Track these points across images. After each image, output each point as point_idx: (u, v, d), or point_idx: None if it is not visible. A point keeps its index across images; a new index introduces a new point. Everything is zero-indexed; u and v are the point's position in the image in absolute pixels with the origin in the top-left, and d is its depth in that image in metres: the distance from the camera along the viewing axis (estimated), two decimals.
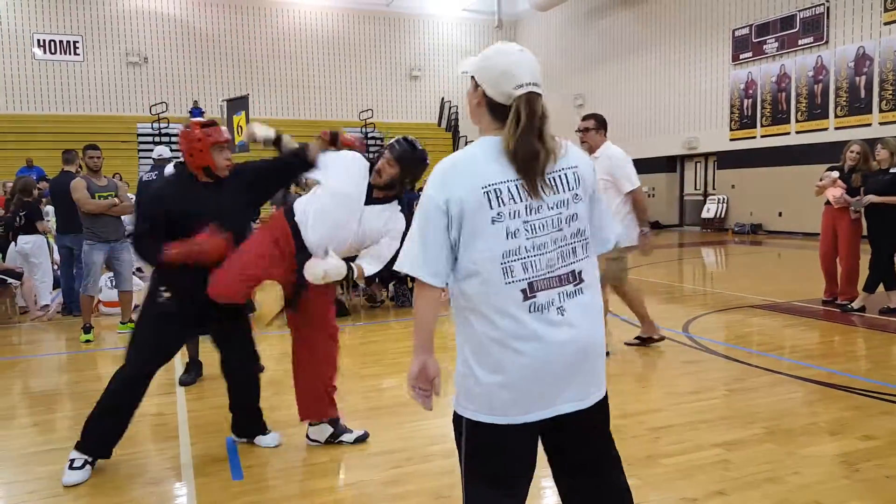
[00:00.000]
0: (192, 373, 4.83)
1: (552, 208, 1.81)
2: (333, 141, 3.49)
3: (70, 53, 21.55)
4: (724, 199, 18.75)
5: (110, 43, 21.94)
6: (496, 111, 1.83)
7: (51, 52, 21.33)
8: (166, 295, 3.28)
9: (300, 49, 24.21)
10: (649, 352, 5.41)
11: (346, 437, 3.60)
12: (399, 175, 3.36)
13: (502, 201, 1.76)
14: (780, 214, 17.18)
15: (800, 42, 16.30)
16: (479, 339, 1.82)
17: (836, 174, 7.07)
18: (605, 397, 1.93)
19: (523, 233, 1.77)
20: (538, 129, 1.79)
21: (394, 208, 3.44)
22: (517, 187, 1.77)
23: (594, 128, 5.17)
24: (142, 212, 3.61)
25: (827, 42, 15.68)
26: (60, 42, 21.43)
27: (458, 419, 1.89)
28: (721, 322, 6.72)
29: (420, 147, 3.43)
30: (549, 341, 1.78)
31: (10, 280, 7.24)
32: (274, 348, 5.58)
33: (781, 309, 7.17)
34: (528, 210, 1.78)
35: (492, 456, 1.87)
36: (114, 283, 6.77)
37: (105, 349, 6.09)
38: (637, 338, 5.56)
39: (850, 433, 3.59)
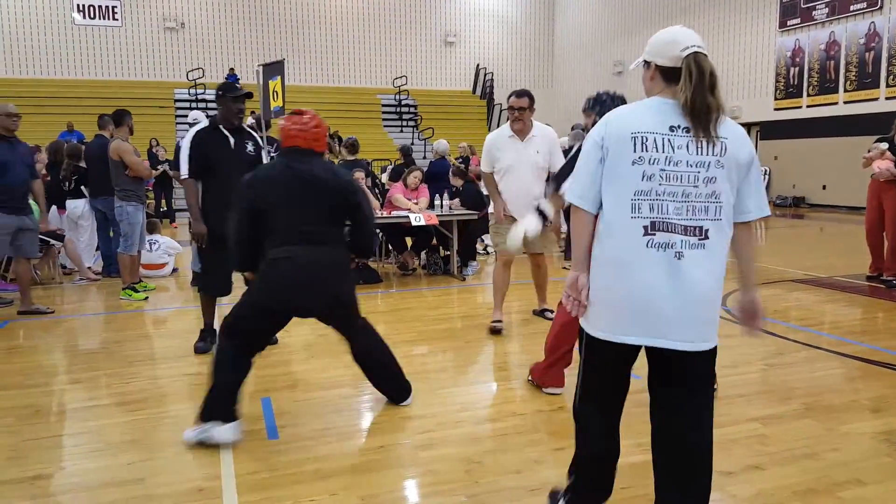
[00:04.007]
0: (208, 340, 4.76)
1: (691, 166, 1.96)
2: None
3: (109, 18, 21.74)
4: (766, 170, 18.24)
5: (148, 8, 22.07)
6: (668, 75, 2.01)
7: (90, 17, 21.54)
8: None
9: (336, 15, 24.03)
10: None
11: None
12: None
13: (645, 147, 1.97)
14: (823, 187, 16.69)
15: (852, 7, 15.62)
16: (601, 259, 2.07)
17: (885, 146, 6.81)
18: (710, 351, 2.07)
19: (658, 178, 1.96)
20: (710, 84, 1.94)
21: None
22: (663, 139, 1.97)
23: (529, 106, 4.94)
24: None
25: (881, 7, 15.00)
26: (99, 7, 21.61)
27: (581, 329, 2.19)
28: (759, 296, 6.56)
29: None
30: (655, 278, 1.97)
31: (52, 242, 7.41)
32: None
33: (823, 284, 6.99)
34: (668, 161, 1.96)
35: (598, 370, 2.16)
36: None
37: (145, 311, 6.22)
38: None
39: (894, 411, 3.50)
